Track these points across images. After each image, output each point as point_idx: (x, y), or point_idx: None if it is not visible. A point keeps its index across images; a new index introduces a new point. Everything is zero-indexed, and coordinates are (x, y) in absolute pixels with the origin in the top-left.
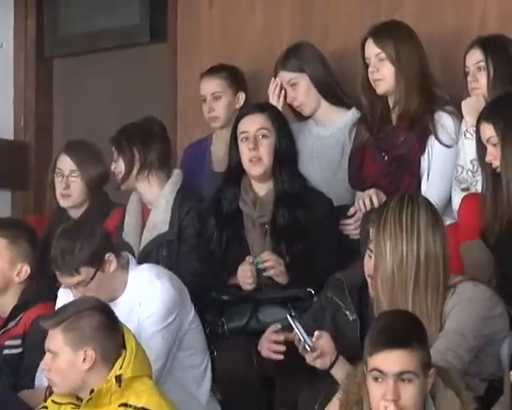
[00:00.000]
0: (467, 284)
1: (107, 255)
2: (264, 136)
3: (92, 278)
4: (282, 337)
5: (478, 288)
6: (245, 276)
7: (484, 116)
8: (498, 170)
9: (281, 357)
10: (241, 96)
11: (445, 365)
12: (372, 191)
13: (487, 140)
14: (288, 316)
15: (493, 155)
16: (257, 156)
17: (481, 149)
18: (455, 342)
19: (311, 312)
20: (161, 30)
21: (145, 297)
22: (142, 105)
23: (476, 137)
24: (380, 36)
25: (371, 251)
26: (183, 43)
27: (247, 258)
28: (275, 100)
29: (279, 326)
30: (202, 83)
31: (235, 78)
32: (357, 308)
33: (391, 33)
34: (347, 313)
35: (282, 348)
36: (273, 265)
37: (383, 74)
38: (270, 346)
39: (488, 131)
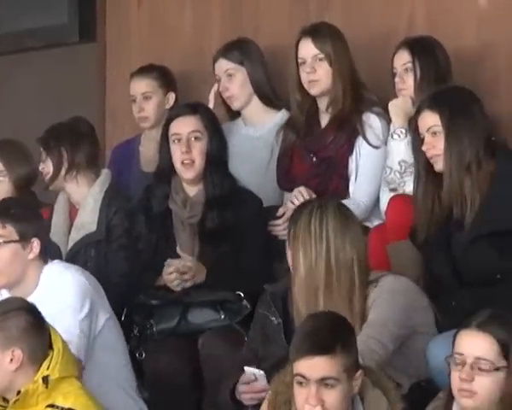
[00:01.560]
0: (388, 277)
1: (34, 239)
2: (196, 138)
3: (8, 242)
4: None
5: (399, 280)
6: (168, 280)
7: (427, 105)
8: (433, 160)
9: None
10: (171, 97)
11: (369, 353)
12: (302, 188)
13: (428, 129)
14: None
15: (431, 145)
16: (189, 159)
17: (417, 140)
18: (378, 331)
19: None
20: (90, 29)
21: (56, 289)
22: (70, 105)
23: (412, 129)
24: (318, 36)
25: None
26: (112, 42)
27: (168, 261)
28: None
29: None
30: (132, 83)
31: (165, 78)
32: (282, 313)
33: (328, 34)
34: (273, 318)
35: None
36: (193, 274)
37: (320, 75)
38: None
39: (430, 119)
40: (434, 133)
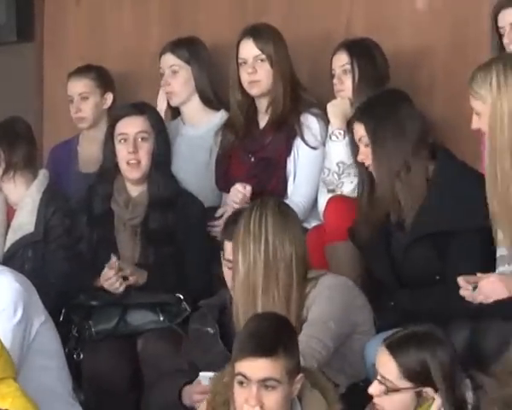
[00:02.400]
0: (328, 276)
1: None
2: (143, 139)
3: None
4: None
5: (339, 279)
6: (109, 284)
7: (356, 116)
8: (369, 169)
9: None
10: (109, 97)
11: (311, 352)
12: (238, 185)
13: (359, 139)
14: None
15: (365, 155)
16: (136, 159)
17: (355, 148)
18: (318, 330)
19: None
20: (28, 29)
21: None
22: (8, 105)
23: (350, 137)
24: (259, 37)
25: (228, 261)
26: (49, 42)
27: (108, 264)
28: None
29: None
30: (69, 83)
31: (102, 78)
32: (219, 323)
33: (270, 35)
34: (208, 329)
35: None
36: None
37: (261, 76)
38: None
39: (359, 131)
40: (366, 144)
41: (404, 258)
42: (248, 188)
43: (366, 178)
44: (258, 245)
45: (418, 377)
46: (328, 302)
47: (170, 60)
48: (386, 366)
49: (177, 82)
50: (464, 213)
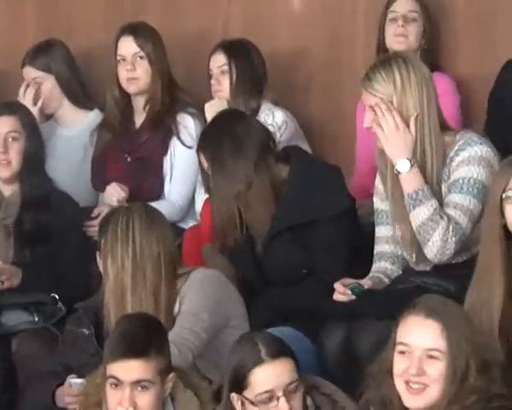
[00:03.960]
0: (199, 269)
1: None
2: (14, 138)
3: None
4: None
5: (210, 271)
6: None
7: (198, 147)
8: None
9: None
10: None
11: (184, 343)
12: (113, 184)
13: (207, 168)
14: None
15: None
16: (6, 159)
17: (205, 174)
18: (190, 321)
19: None
20: None
21: None
22: None
23: None
24: (139, 35)
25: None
26: None
27: None
28: (27, 102)
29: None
30: None
31: None
32: (95, 324)
33: (149, 33)
34: (84, 330)
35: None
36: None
37: (140, 73)
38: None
39: (203, 161)
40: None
41: (266, 256)
42: (126, 188)
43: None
44: (126, 247)
45: None
46: (200, 294)
47: (31, 73)
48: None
49: (43, 93)
50: (320, 204)
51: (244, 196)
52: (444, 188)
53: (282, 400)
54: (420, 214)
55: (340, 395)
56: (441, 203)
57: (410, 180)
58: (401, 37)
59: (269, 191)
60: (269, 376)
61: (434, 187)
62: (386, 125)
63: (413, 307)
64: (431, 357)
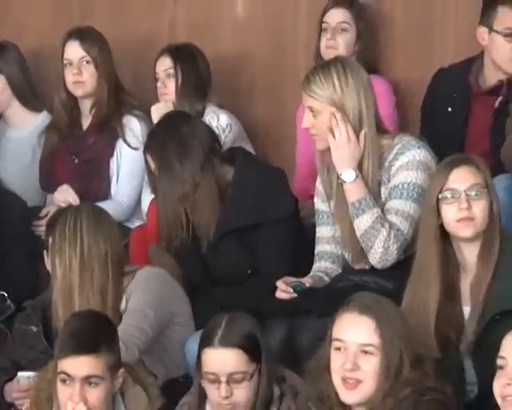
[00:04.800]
0: (145, 268)
1: None
2: None
3: None
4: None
5: (156, 269)
6: None
7: (145, 149)
8: None
9: None
10: None
11: (130, 340)
12: (64, 186)
13: (154, 169)
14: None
15: None
16: None
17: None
18: (136, 318)
19: None
20: None
21: None
22: None
23: None
24: (85, 39)
25: None
26: None
27: None
28: None
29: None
30: None
31: None
32: (43, 322)
33: (95, 38)
34: (32, 327)
35: None
36: None
37: (86, 78)
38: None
39: (150, 162)
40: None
41: (211, 257)
42: (74, 195)
43: None
44: (74, 247)
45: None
46: (146, 291)
47: None
48: None
49: None
50: (264, 206)
51: (191, 198)
52: (383, 190)
53: (223, 386)
54: (362, 222)
55: (304, 388)
56: (380, 205)
57: (354, 190)
58: (331, 48)
59: (215, 193)
60: (214, 360)
61: (370, 187)
62: (339, 134)
63: (347, 305)
64: (365, 352)
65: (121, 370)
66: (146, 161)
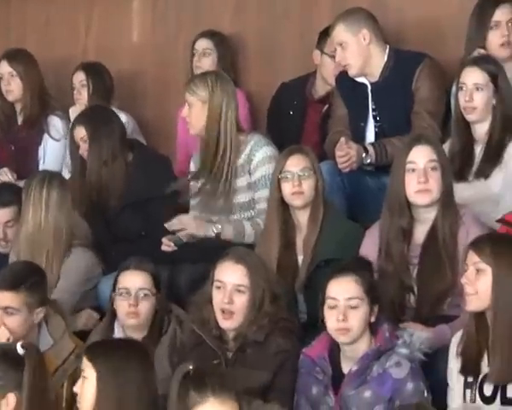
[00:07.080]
0: (78, 248)
1: None
2: None
3: None
4: None
5: (88, 252)
6: None
7: (77, 122)
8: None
9: None
10: None
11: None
12: (5, 169)
13: (80, 138)
14: None
15: (84, 150)
16: None
17: (74, 145)
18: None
19: None
20: None
21: None
22: None
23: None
24: (13, 59)
25: None
26: None
27: None
28: None
29: None
30: None
31: None
32: None
33: (21, 57)
34: None
35: None
36: None
37: (13, 87)
38: None
39: (81, 132)
40: (85, 141)
41: (116, 221)
42: (14, 175)
43: (78, 166)
44: (46, 214)
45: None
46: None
47: None
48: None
49: None
50: (155, 184)
51: (110, 166)
52: (247, 177)
53: (132, 297)
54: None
55: (186, 317)
56: (237, 189)
57: None
58: (199, 68)
59: (124, 168)
60: (128, 278)
61: (230, 171)
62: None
63: (226, 255)
64: (239, 291)
65: (41, 308)
66: (73, 136)
